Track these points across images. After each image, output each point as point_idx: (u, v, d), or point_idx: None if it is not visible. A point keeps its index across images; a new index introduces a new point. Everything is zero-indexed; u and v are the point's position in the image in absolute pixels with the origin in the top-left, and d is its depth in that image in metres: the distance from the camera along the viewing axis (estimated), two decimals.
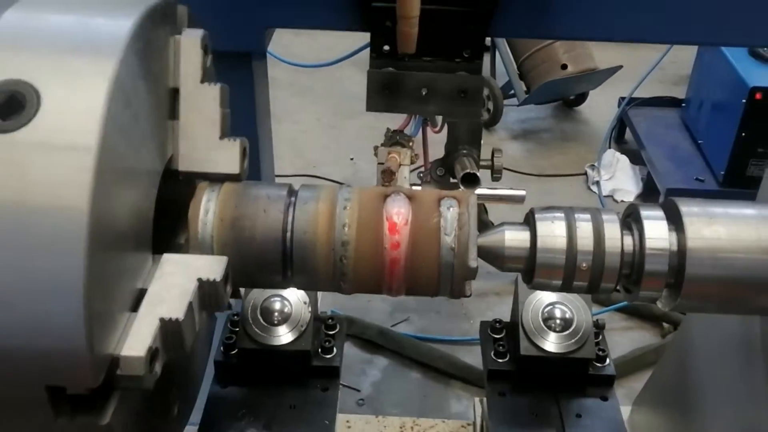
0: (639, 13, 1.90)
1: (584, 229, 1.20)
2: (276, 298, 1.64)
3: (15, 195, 0.86)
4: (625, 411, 1.97)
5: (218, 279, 1.05)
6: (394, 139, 2.05)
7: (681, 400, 1.88)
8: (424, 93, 1.85)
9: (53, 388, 0.92)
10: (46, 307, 0.86)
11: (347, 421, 2.41)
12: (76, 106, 0.89)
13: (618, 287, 1.25)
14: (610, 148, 5.08)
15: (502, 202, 2.08)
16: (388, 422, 2.44)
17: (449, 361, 3.39)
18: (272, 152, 2.42)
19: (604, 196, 4.71)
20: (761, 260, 1.18)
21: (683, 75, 5.55)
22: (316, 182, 3.36)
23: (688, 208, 1.20)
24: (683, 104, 4.95)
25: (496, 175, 2.12)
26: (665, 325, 3.63)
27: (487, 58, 5.12)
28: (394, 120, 2.15)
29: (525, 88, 5.14)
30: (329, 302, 3.23)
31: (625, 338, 3.58)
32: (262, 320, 1.64)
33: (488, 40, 1.95)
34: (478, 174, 1.96)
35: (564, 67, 4.95)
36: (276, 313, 1.64)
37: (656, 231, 1.19)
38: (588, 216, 1.22)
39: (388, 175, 1.82)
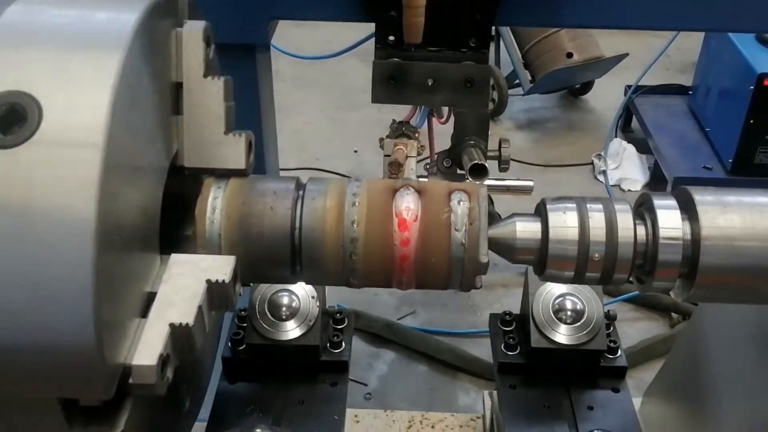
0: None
1: (596, 219, 1.18)
2: (284, 293, 1.63)
3: (20, 208, 0.84)
4: (636, 402, 1.95)
5: (227, 280, 1.03)
6: (400, 130, 2.03)
7: (693, 391, 1.87)
8: (430, 83, 1.83)
9: (66, 401, 0.91)
10: (57, 321, 0.85)
11: (355, 416, 2.40)
12: (79, 111, 0.87)
13: (630, 278, 1.23)
14: (616, 137, 5.04)
15: (510, 193, 2.05)
16: (397, 416, 2.43)
17: (456, 353, 3.38)
18: (276, 145, 2.41)
19: (611, 186, 4.68)
20: None
21: (689, 62, 5.51)
22: (322, 176, 3.34)
23: (701, 197, 1.19)
24: (690, 92, 4.90)
25: (503, 165, 2.09)
26: (674, 315, 3.60)
27: (491, 48, 5.09)
28: (398, 112, 2.13)
29: (530, 78, 5.11)
30: (335, 296, 3.21)
31: (634, 329, 3.56)
32: (269, 315, 1.62)
33: (493, 29, 1.94)
34: (486, 165, 1.94)
35: (569, 55, 4.91)
36: (284, 308, 1.63)
37: (670, 220, 1.18)
38: (600, 206, 1.20)
39: (395, 167, 1.80)
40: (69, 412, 0.92)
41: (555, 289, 1.66)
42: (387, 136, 2.01)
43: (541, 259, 1.21)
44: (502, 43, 5.20)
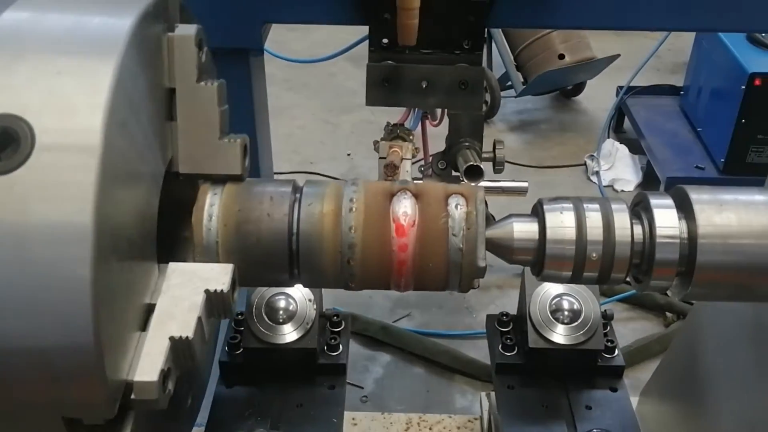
0: (636, 0, 1.89)
1: (593, 219, 1.18)
2: (281, 296, 1.63)
3: (16, 234, 0.83)
4: (632, 402, 1.95)
5: (226, 290, 1.03)
6: (395, 132, 2.03)
7: (690, 389, 1.87)
8: (424, 85, 1.84)
9: (70, 419, 0.91)
10: (57, 345, 0.84)
11: (353, 419, 2.40)
12: (72, 134, 0.85)
13: (628, 277, 1.24)
14: (609, 137, 5.05)
15: (505, 194, 2.06)
16: (395, 419, 2.42)
17: (453, 355, 3.38)
18: (271, 149, 2.41)
19: (604, 186, 4.69)
20: None
21: (680, 63, 5.53)
22: (316, 179, 3.34)
23: (698, 196, 1.19)
24: (681, 92, 4.92)
25: (498, 167, 2.10)
26: (669, 314, 3.61)
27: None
28: (391, 115, 2.14)
29: (522, 79, 5.12)
30: (330, 299, 3.21)
31: (629, 329, 3.56)
32: (266, 319, 1.62)
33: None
34: (481, 166, 1.94)
35: (561, 57, 4.92)
36: (281, 312, 1.62)
37: (666, 219, 1.18)
38: (597, 205, 1.20)
39: (391, 169, 1.80)
40: (72, 428, 0.92)
41: (552, 289, 1.66)
42: (382, 139, 2.02)
43: (538, 260, 1.21)
44: (494, 45, 5.20)
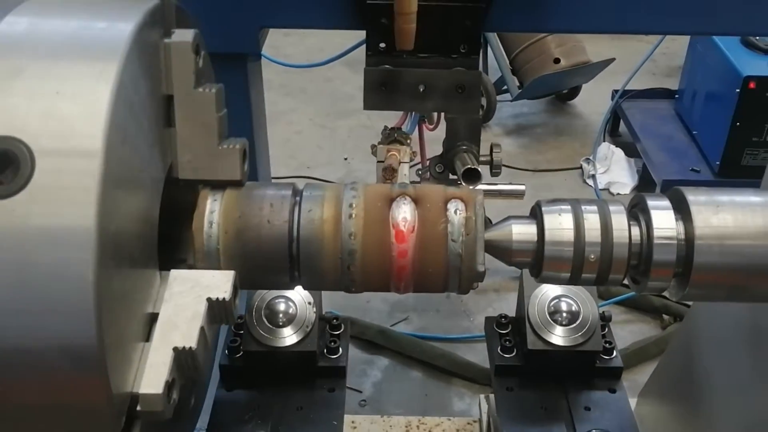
0: (631, 4, 1.90)
1: (591, 220, 1.19)
2: (280, 300, 1.63)
3: (19, 261, 0.83)
4: (631, 403, 1.96)
5: (228, 298, 1.03)
6: (392, 136, 2.04)
7: (688, 391, 1.88)
8: (421, 89, 1.85)
9: None
10: (61, 362, 0.84)
11: (353, 422, 2.40)
12: (71, 158, 0.85)
13: (625, 279, 1.25)
14: (604, 141, 5.07)
15: (503, 197, 2.06)
16: (394, 422, 2.43)
17: (450, 359, 3.38)
18: (268, 153, 2.42)
19: (600, 190, 4.71)
20: None
21: (675, 66, 5.55)
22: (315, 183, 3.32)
23: (695, 197, 1.20)
24: (676, 95, 4.94)
25: (495, 170, 2.11)
26: (665, 316, 3.62)
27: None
28: (387, 119, 2.14)
29: (518, 83, 5.13)
30: (326, 303, 3.21)
31: (626, 331, 3.57)
32: (266, 322, 1.62)
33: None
34: (479, 169, 1.95)
35: (557, 61, 4.94)
36: (281, 315, 1.63)
37: (664, 221, 1.19)
38: (595, 207, 1.21)
39: (389, 173, 1.81)
40: None
41: (550, 291, 1.67)
42: (379, 143, 2.02)
43: (537, 261, 1.22)
44: (489, 49, 5.22)
